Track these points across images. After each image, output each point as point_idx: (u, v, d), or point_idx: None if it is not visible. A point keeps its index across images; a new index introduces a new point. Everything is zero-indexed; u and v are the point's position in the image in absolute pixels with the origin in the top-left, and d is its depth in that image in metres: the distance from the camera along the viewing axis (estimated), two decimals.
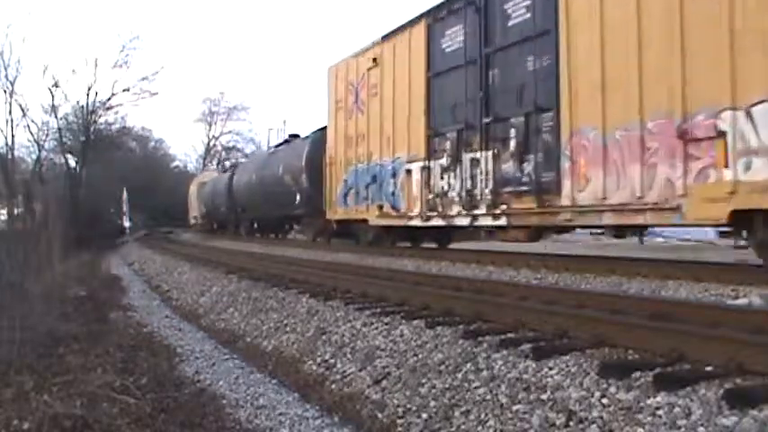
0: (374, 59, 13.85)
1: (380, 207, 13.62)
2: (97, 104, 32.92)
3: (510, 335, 4.57)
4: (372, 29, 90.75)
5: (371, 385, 4.49)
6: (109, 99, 33.08)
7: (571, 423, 3.20)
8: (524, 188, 9.61)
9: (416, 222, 12.38)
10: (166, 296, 11.33)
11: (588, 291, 6.41)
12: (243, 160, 30.97)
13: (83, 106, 32.72)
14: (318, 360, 5.36)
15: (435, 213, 11.71)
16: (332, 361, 5.23)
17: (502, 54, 10.20)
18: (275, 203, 21.53)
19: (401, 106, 12.81)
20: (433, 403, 3.92)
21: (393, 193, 13.11)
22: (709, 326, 4.00)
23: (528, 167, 9.59)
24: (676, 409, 2.97)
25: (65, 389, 4.22)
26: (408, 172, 12.51)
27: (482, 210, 10.52)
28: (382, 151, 13.55)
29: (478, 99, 10.59)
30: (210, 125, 61.41)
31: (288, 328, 6.55)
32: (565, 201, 8.84)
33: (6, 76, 30.53)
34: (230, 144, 60.87)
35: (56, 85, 31.49)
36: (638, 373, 3.40)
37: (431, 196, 11.81)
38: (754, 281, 6.35)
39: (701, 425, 2.82)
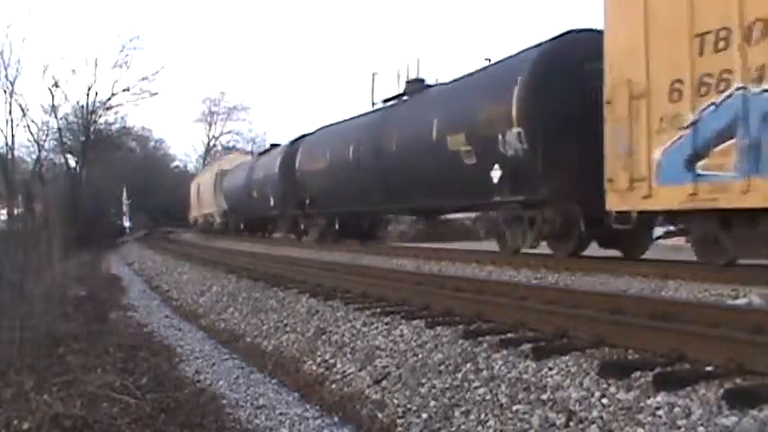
0: None
1: None
2: (97, 104, 32.99)
3: (510, 335, 4.57)
4: (372, 28, 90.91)
5: (371, 385, 4.49)
6: (109, 99, 33.14)
7: (571, 423, 3.20)
8: None
9: None
10: (166, 296, 11.32)
11: (588, 291, 6.41)
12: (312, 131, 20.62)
13: (83, 106, 32.78)
14: (318, 360, 5.36)
15: None
16: (332, 361, 5.23)
17: None
18: (408, 189, 13.40)
19: None
20: (432, 403, 3.92)
21: None
22: (709, 326, 4.01)
23: None
24: (676, 409, 2.97)
25: (65, 389, 4.22)
26: None
27: None
28: None
29: None
30: (210, 125, 61.50)
31: (288, 328, 6.55)
32: None
33: (6, 76, 30.58)
34: (230, 144, 60.91)
35: (56, 85, 31.52)
36: (638, 373, 3.40)
37: None
38: (754, 281, 6.35)
39: (701, 425, 2.82)
